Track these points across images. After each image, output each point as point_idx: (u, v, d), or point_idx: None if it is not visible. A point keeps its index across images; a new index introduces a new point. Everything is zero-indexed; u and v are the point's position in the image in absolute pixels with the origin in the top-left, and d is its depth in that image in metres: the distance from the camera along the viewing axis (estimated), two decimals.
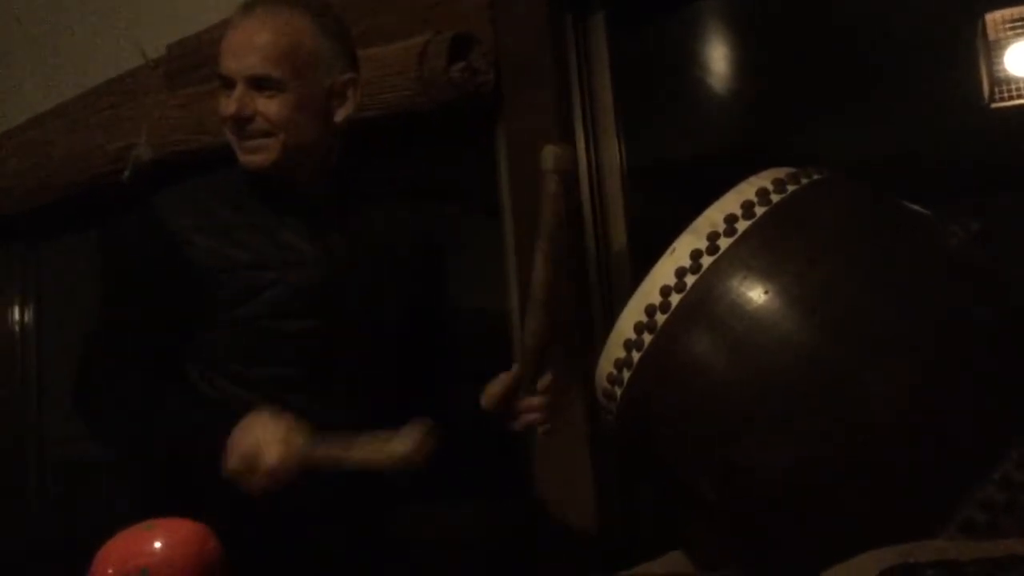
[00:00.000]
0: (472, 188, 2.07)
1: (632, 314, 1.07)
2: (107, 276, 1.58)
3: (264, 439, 1.23)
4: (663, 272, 1.06)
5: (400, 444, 1.18)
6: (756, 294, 1.00)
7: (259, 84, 1.41)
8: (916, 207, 1.10)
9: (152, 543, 0.98)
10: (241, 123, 1.42)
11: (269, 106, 1.41)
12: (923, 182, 1.57)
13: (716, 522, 1.04)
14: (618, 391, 1.10)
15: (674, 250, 1.07)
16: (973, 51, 1.57)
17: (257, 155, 1.43)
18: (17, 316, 3.03)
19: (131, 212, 1.53)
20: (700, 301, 1.03)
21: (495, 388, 1.41)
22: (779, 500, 0.96)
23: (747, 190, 1.07)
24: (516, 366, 1.40)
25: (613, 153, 1.89)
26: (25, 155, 2.70)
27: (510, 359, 1.89)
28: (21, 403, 2.98)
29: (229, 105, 1.41)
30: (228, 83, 1.42)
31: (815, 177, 1.09)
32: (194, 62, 2.34)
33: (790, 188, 1.06)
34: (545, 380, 1.39)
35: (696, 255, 1.04)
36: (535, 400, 1.39)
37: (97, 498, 2.65)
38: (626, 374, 1.08)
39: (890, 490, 0.91)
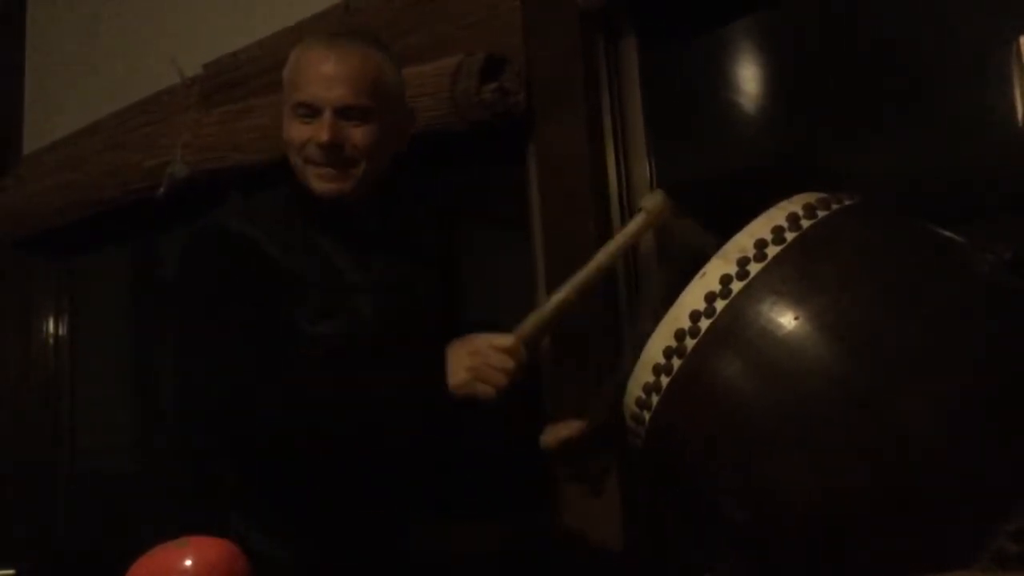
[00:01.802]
0: (503, 207, 2.08)
1: (661, 339, 1.07)
2: (209, 278, 1.45)
3: (484, 338, 1.30)
4: (692, 297, 1.06)
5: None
6: (786, 320, 1.00)
7: (348, 113, 1.43)
8: (948, 233, 1.09)
9: (183, 561, 0.99)
10: (333, 150, 1.43)
11: (356, 135, 1.44)
12: (955, 205, 1.56)
13: (744, 548, 1.03)
14: (646, 415, 1.09)
15: (704, 275, 1.07)
16: (1007, 73, 1.56)
17: (336, 183, 1.45)
18: (51, 329, 3.07)
19: (199, 224, 1.50)
20: (730, 326, 1.02)
21: (561, 433, 1.43)
22: (807, 527, 0.95)
23: (777, 215, 1.07)
24: (584, 420, 1.42)
25: (644, 173, 1.90)
26: (63, 171, 2.75)
27: (538, 376, 1.91)
28: (54, 415, 3.02)
29: (321, 132, 1.42)
30: (312, 111, 1.44)
31: (846, 203, 1.09)
32: (229, 81, 2.38)
33: (820, 214, 1.06)
34: (604, 453, 1.43)
35: (726, 280, 1.04)
36: (593, 465, 1.44)
37: (128, 511, 2.68)
38: (655, 399, 1.07)
39: (920, 520, 0.90)
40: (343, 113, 1.43)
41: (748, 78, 1.88)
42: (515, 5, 1.93)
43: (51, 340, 3.07)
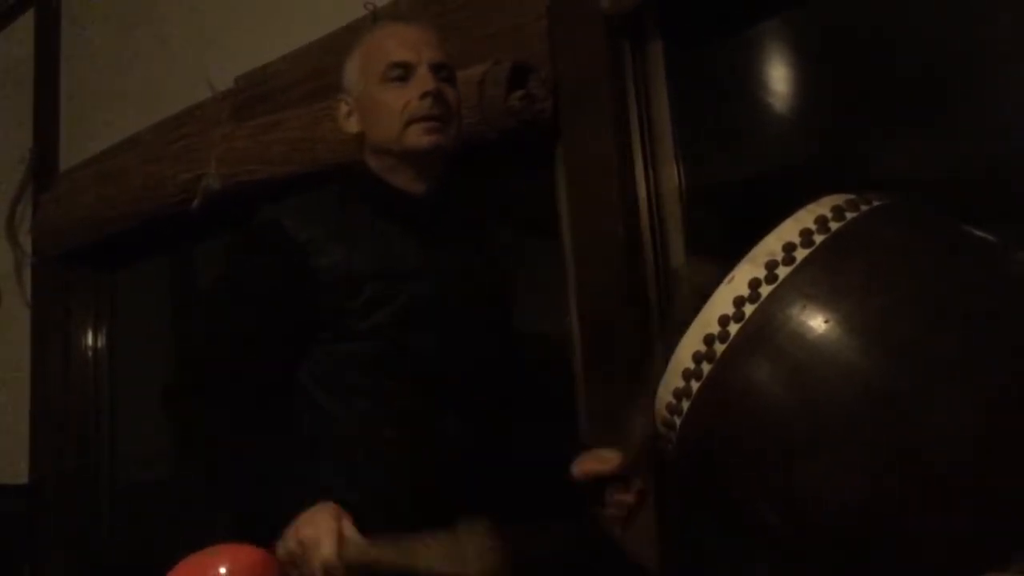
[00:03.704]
0: (532, 212, 2.08)
1: (691, 343, 1.07)
2: (231, 284, 1.53)
3: (324, 531, 1.18)
4: (721, 301, 1.05)
5: (473, 559, 1.14)
6: (816, 323, 0.99)
7: (439, 71, 1.49)
8: (979, 232, 1.08)
9: (217, 568, 1.00)
10: (438, 98, 1.46)
11: (449, 90, 1.50)
12: (987, 205, 1.54)
13: (776, 551, 1.03)
14: (677, 420, 1.09)
15: (732, 279, 1.06)
16: None
17: (438, 135, 1.48)
18: (91, 341, 3.12)
19: (254, 221, 1.51)
20: (759, 330, 1.02)
21: (591, 465, 1.42)
22: (839, 529, 0.94)
23: (805, 218, 1.06)
24: (618, 454, 1.39)
25: (672, 178, 1.90)
26: (101, 185, 2.79)
27: (571, 383, 1.91)
28: (94, 425, 3.06)
29: (425, 83, 1.46)
30: (406, 70, 1.48)
31: (875, 203, 1.08)
32: (260, 94, 2.40)
33: (849, 215, 1.05)
34: (638, 484, 1.39)
35: (755, 284, 1.03)
36: (627, 499, 1.40)
37: (168, 520, 2.71)
38: (685, 404, 1.07)
39: (952, 524, 0.89)
40: (437, 70, 1.48)
41: (775, 79, 1.87)
42: (541, 12, 1.94)
43: (91, 352, 3.11)
